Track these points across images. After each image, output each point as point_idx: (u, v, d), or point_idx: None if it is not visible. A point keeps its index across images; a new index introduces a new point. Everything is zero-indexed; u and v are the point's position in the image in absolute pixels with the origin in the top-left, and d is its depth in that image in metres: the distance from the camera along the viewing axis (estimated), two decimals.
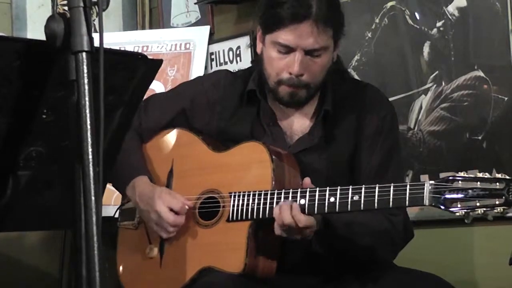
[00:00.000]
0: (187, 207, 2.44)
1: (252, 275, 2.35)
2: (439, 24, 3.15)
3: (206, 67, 3.87)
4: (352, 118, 2.49)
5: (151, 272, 2.52)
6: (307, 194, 2.29)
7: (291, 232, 2.28)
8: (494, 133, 2.99)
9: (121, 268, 2.59)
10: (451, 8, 3.12)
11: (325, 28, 2.40)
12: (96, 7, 1.57)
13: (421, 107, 3.21)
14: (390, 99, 3.11)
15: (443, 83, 3.14)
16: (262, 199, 2.35)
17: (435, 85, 3.17)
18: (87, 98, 1.52)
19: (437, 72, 3.17)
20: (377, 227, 2.38)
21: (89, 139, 1.51)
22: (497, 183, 2.07)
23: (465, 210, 2.10)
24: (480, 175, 2.10)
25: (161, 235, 2.49)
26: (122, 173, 2.49)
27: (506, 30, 2.96)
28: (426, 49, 3.20)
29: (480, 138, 3.03)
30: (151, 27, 4.25)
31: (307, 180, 2.33)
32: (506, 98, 2.96)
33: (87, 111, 1.52)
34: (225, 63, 3.87)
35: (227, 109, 2.56)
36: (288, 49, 2.40)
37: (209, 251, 2.41)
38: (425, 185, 2.15)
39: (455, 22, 3.11)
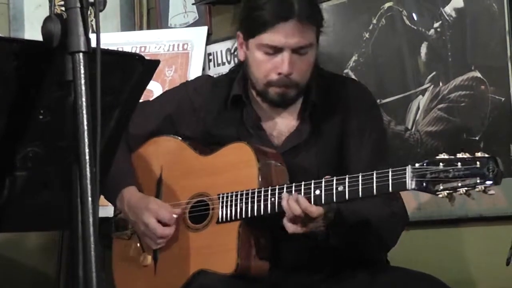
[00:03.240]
0: (175, 216, 2.44)
1: (245, 275, 2.35)
2: (436, 25, 3.16)
3: (203, 68, 3.87)
4: (336, 113, 2.50)
5: (146, 280, 2.52)
6: (293, 189, 2.30)
7: (304, 224, 2.27)
8: (491, 134, 3.00)
9: (116, 278, 2.59)
10: (448, 9, 3.12)
11: (309, 25, 2.42)
12: (93, 7, 1.57)
13: (418, 108, 3.21)
14: (388, 99, 3.12)
15: (441, 84, 3.15)
16: (249, 198, 2.35)
17: (432, 86, 3.17)
18: (84, 99, 1.52)
19: (434, 72, 3.17)
20: (381, 215, 2.38)
21: (86, 140, 1.51)
22: (478, 162, 2.09)
23: (448, 191, 2.10)
24: (460, 155, 2.11)
25: (151, 246, 2.49)
26: (112, 184, 2.48)
27: (503, 31, 2.96)
28: (423, 49, 3.20)
29: (477, 138, 3.03)
30: (149, 27, 4.25)
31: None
32: (503, 99, 2.96)
33: (84, 111, 1.52)
34: (223, 63, 3.87)
35: (211, 113, 2.56)
36: (275, 50, 2.41)
37: (201, 254, 2.42)
38: (407, 169, 2.16)
39: (452, 23, 3.11)
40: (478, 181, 2.08)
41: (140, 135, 2.61)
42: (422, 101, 3.20)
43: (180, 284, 2.42)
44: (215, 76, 2.80)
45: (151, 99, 2.81)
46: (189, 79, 3.66)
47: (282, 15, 2.38)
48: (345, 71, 3.37)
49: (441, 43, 3.14)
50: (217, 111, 2.55)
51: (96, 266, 1.47)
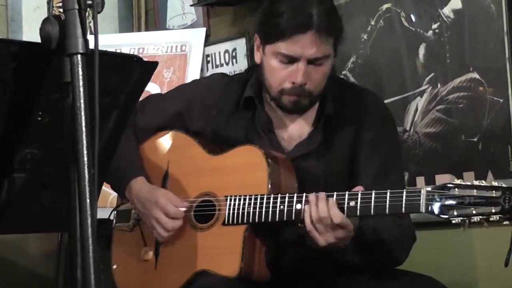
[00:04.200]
0: (182, 209, 2.44)
1: (247, 279, 2.35)
2: (434, 26, 3.16)
3: (202, 69, 3.87)
4: (350, 124, 2.48)
5: (146, 274, 2.51)
6: (303, 199, 2.29)
7: (324, 232, 2.24)
8: (489, 135, 3.00)
9: (115, 270, 2.59)
10: (447, 10, 3.12)
11: (327, 37, 2.39)
12: (92, 9, 1.57)
13: (416, 109, 3.21)
14: (386, 101, 3.12)
15: (439, 85, 3.15)
16: (258, 203, 2.34)
17: (430, 87, 3.17)
18: (82, 100, 1.52)
19: (432, 74, 3.17)
20: (392, 234, 2.37)
21: (84, 141, 1.51)
22: (494, 191, 2.07)
23: (461, 218, 2.09)
24: (476, 182, 2.10)
25: (158, 239, 2.49)
26: (120, 175, 2.48)
27: (501, 32, 2.96)
28: (421, 51, 3.20)
29: (475, 140, 3.03)
30: (147, 29, 4.26)
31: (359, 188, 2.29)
32: (501, 100, 2.96)
33: (82, 113, 1.52)
34: (221, 65, 3.87)
35: (222, 113, 2.55)
36: (290, 59, 2.39)
37: (205, 254, 2.41)
38: (422, 192, 2.15)
39: (451, 24, 3.11)
40: (493, 210, 2.07)
41: (148, 129, 2.61)
42: (420, 102, 3.20)
43: (181, 281, 2.41)
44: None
45: (164, 92, 2.81)
46: (187, 81, 3.69)
47: (300, 26, 2.36)
48: (343, 72, 3.37)
49: (439, 45, 3.14)
50: (228, 111, 2.54)
51: (95, 268, 1.47)
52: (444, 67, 3.13)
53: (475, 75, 3.04)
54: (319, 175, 2.44)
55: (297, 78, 2.39)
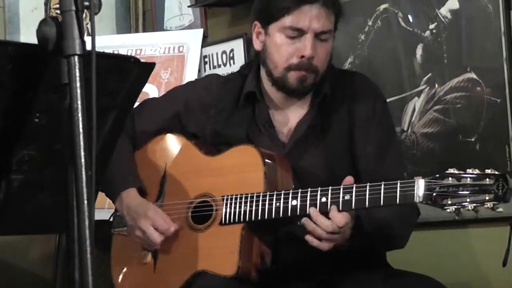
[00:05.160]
0: (172, 229, 2.44)
1: (245, 278, 2.36)
2: (432, 26, 3.16)
3: (199, 70, 3.87)
4: (343, 107, 2.50)
5: (145, 277, 2.52)
6: (299, 195, 2.29)
7: (334, 237, 2.26)
8: (487, 135, 3.00)
9: (115, 274, 2.59)
10: (444, 11, 3.12)
11: (331, 12, 2.44)
12: (89, 10, 1.57)
13: (414, 109, 3.21)
14: None
15: (436, 85, 3.15)
16: (254, 202, 2.35)
17: (428, 87, 3.18)
18: (79, 102, 1.52)
19: (430, 74, 3.17)
20: (395, 212, 2.37)
21: (82, 143, 1.51)
22: (487, 179, 2.09)
23: (456, 206, 2.11)
24: (470, 171, 2.11)
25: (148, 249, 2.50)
26: (113, 183, 2.48)
27: (499, 32, 2.96)
28: (419, 51, 3.20)
29: (473, 140, 3.03)
30: (144, 30, 4.26)
31: (349, 178, 2.30)
32: (498, 100, 2.97)
33: (80, 114, 1.52)
34: (219, 66, 3.87)
35: (222, 112, 2.56)
36: (298, 33, 2.42)
37: (203, 255, 2.42)
38: (416, 182, 2.16)
39: (448, 25, 3.11)
40: (486, 197, 2.08)
41: (147, 132, 2.61)
42: (418, 102, 3.20)
43: (179, 283, 2.42)
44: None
45: (159, 96, 2.81)
46: (184, 82, 3.69)
47: None
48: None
49: (436, 45, 3.14)
50: (228, 110, 2.55)
51: (92, 269, 1.47)
52: (441, 67, 3.13)
53: (473, 75, 3.04)
54: (318, 162, 2.45)
55: (306, 50, 2.41)
